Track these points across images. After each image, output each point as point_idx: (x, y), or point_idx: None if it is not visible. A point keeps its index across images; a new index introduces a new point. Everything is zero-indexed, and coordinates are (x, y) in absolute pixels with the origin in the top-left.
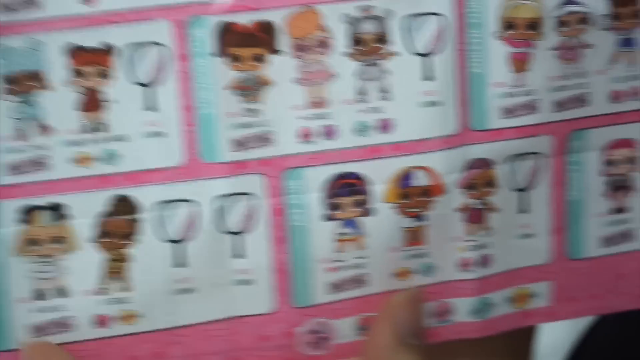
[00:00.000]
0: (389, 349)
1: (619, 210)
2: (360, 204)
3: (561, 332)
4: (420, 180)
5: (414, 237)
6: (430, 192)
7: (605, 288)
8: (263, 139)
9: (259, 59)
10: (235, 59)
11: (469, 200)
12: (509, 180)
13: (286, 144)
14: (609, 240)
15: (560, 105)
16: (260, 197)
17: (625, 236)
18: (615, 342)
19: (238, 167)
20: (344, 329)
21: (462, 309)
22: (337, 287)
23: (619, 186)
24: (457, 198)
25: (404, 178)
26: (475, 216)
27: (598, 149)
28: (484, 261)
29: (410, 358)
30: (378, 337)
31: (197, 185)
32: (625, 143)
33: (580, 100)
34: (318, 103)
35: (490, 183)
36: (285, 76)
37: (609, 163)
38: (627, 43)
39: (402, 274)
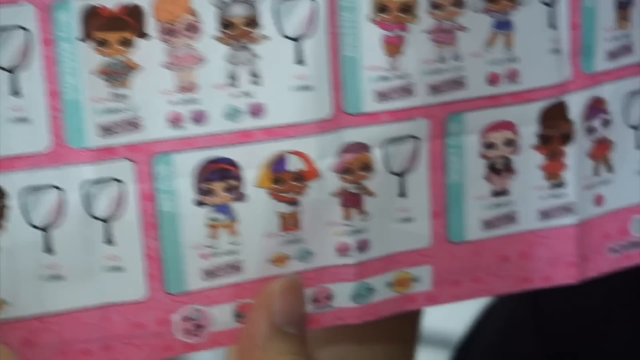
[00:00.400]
0: (265, 338)
1: (500, 192)
2: (233, 189)
3: (454, 318)
4: (294, 165)
5: (289, 222)
6: (304, 177)
7: (487, 271)
8: (131, 125)
9: (125, 43)
10: (102, 43)
11: (344, 185)
12: (386, 164)
13: (155, 129)
14: (491, 223)
15: (436, 89)
16: (129, 183)
17: (506, 219)
18: (505, 326)
19: (106, 153)
20: (220, 316)
21: (342, 294)
22: (211, 273)
23: (499, 169)
24: (333, 182)
25: (277, 163)
26: (352, 201)
27: (476, 132)
28: (362, 246)
29: (288, 347)
30: (254, 326)
31: (64, 172)
32: (504, 125)
33: (456, 84)
34: (187, 88)
35: (366, 167)
36: (153, 60)
37: (488, 146)
38: (503, 25)
39: (279, 260)
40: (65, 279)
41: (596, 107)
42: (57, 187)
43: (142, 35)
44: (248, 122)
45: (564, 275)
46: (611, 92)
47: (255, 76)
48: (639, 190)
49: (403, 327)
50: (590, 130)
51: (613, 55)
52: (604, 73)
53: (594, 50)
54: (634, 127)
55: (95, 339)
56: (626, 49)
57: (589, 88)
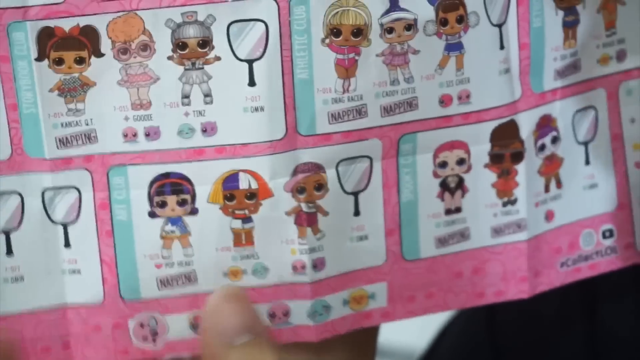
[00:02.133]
0: (224, 357)
1: (453, 210)
2: (185, 203)
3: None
4: (246, 183)
5: (243, 238)
6: (256, 195)
7: (441, 287)
8: (87, 137)
9: (81, 61)
10: (58, 62)
11: (299, 204)
12: (340, 183)
13: (110, 143)
14: (444, 241)
15: (389, 110)
16: (86, 192)
17: (460, 236)
18: (460, 340)
19: (63, 163)
20: (176, 325)
21: (299, 311)
22: (165, 283)
23: (452, 187)
24: (286, 202)
25: (229, 180)
26: (307, 220)
27: (429, 151)
28: (318, 264)
29: (250, 355)
30: (209, 348)
31: (24, 178)
32: (456, 145)
33: (409, 105)
34: (141, 105)
35: (320, 187)
36: (108, 78)
37: (441, 165)
38: (454, 47)
39: (234, 273)
40: (25, 280)
41: (546, 125)
42: (18, 193)
43: (97, 54)
44: (200, 140)
45: (516, 290)
46: (560, 110)
47: (207, 96)
48: (588, 205)
49: (360, 336)
50: (541, 148)
51: (561, 73)
52: (552, 91)
53: (543, 70)
54: (583, 144)
55: (55, 337)
56: (573, 67)
57: (538, 107)
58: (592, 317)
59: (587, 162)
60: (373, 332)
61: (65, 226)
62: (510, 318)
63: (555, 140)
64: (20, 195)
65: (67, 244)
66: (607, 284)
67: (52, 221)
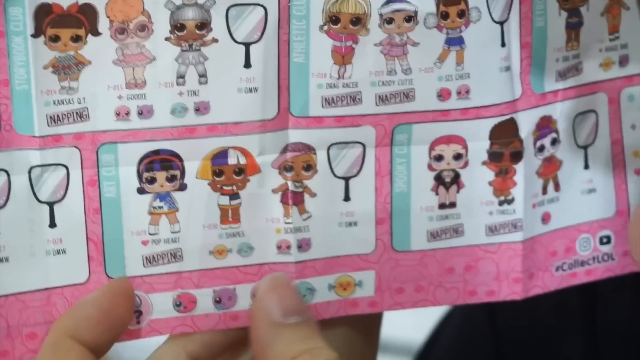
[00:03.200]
0: (272, 336)
1: (447, 205)
2: (174, 179)
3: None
4: (235, 158)
5: (229, 215)
6: (245, 171)
7: (431, 282)
8: (79, 116)
9: (77, 39)
10: (54, 39)
11: (285, 182)
12: (330, 166)
13: (102, 121)
14: (436, 235)
15: (384, 99)
16: (75, 169)
17: (453, 231)
18: (461, 334)
19: (52, 141)
20: (160, 304)
21: None
22: (151, 260)
23: (447, 182)
24: (274, 178)
25: (218, 156)
26: (292, 198)
27: (425, 143)
28: (302, 245)
29: (297, 335)
30: (258, 330)
31: (11, 155)
32: (453, 139)
33: (405, 96)
34: (136, 84)
35: (309, 167)
36: (103, 57)
37: (437, 158)
38: (454, 42)
39: (219, 252)
40: (10, 261)
41: (546, 126)
42: (4, 170)
43: (94, 32)
44: (193, 119)
45: (509, 291)
46: (560, 112)
47: (203, 76)
48: (585, 210)
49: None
50: (540, 149)
51: (562, 75)
52: (553, 93)
53: (544, 70)
54: (583, 147)
55: (41, 323)
56: (575, 69)
57: (538, 107)
58: (592, 312)
59: (586, 167)
60: (376, 318)
61: (51, 205)
62: (511, 311)
63: (554, 141)
64: (7, 172)
65: (52, 224)
66: (608, 280)
67: (38, 200)
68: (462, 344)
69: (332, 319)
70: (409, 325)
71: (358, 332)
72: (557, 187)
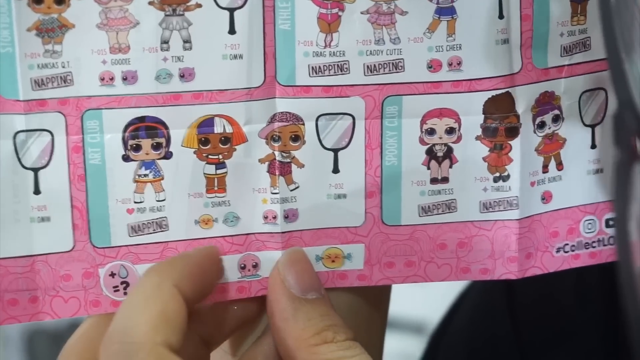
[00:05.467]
0: (290, 311)
1: (440, 180)
2: (159, 146)
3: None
4: (221, 127)
5: (215, 183)
6: (230, 139)
7: (422, 257)
8: (63, 80)
9: (61, 2)
10: (37, 1)
11: (273, 152)
12: (319, 137)
13: (86, 86)
14: (428, 210)
15: (372, 70)
16: (60, 135)
17: (445, 206)
18: (478, 311)
19: (37, 105)
20: None
21: (269, 264)
22: (136, 229)
23: (439, 156)
24: (261, 148)
25: (204, 124)
26: (279, 168)
27: (416, 116)
28: (289, 215)
29: (315, 311)
30: (276, 304)
31: None
32: (446, 113)
33: (394, 66)
34: (119, 49)
35: (296, 138)
36: (87, 20)
37: (429, 132)
38: (445, 12)
39: (205, 221)
40: None
41: (547, 103)
42: None
43: None
44: (178, 85)
45: (504, 270)
46: (565, 88)
47: (187, 42)
48: (592, 191)
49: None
50: (540, 126)
51: (568, 50)
52: (558, 68)
53: (547, 44)
54: (590, 126)
55: (24, 290)
56: (583, 45)
57: (540, 82)
58: (613, 292)
59: (594, 146)
60: (384, 289)
61: (36, 172)
62: (530, 290)
63: (557, 119)
64: None
65: (36, 191)
66: None
67: (23, 166)
68: (478, 324)
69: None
70: (419, 303)
71: (363, 301)
72: (559, 166)
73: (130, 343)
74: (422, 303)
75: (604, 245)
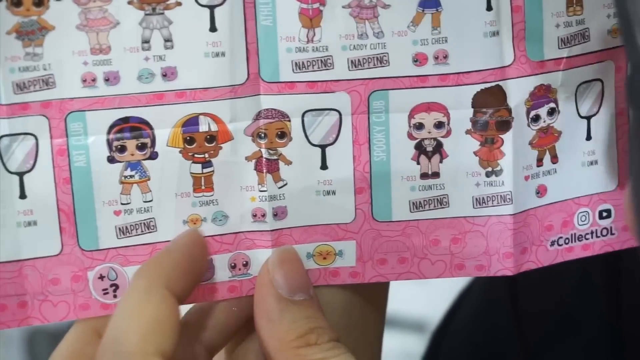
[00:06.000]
0: (276, 312)
1: (430, 175)
2: (144, 147)
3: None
4: (206, 125)
5: (202, 183)
6: (216, 137)
7: (415, 253)
8: (45, 83)
9: (40, 4)
10: (16, 4)
11: (259, 149)
12: (305, 134)
13: (69, 88)
14: (419, 205)
15: (357, 64)
16: (43, 138)
17: (437, 202)
18: (481, 306)
19: (20, 109)
20: None
21: (259, 263)
22: (124, 231)
23: (428, 151)
24: (247, 146)
25: (188, 123)
26: (267, 166)
27: (403, 111)
28: (278, 213)
29: (301, 313)
30: (262, 304)
31: None
32: (434, 107)
33: (379, 60)
34: (100, 49)
35: (282, 134)
36: (66, 22)
37: (417, 127)
38: (429, 4)
39: (193, 221)
40: None
41: (543, 96)
42: None
43: None
44: (160, 85)
45: (500, 266)
46: (562, 81)
47: (168, 41)
48: (586, 183)
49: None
50: (535, 119)
51: (566, 42)
52: (555, 61)
53: (542, 36)
54: (586, 118)
55: (12, 295)
56: (581, 36)
57: (534, 75)
58: (616, 288)
59: (589, 137)
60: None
61: (21, 176)
62: (533, 288)
63: (552, 112)
64: None
65: (22, 195)
66: (633, 255)
67: (8, 171)
68: (481, 321)
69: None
70: (419, 301)
71: (359, 299)
72: (554, 159)
73: (122, 352)
74: (422, 301)
75: (597, 237)
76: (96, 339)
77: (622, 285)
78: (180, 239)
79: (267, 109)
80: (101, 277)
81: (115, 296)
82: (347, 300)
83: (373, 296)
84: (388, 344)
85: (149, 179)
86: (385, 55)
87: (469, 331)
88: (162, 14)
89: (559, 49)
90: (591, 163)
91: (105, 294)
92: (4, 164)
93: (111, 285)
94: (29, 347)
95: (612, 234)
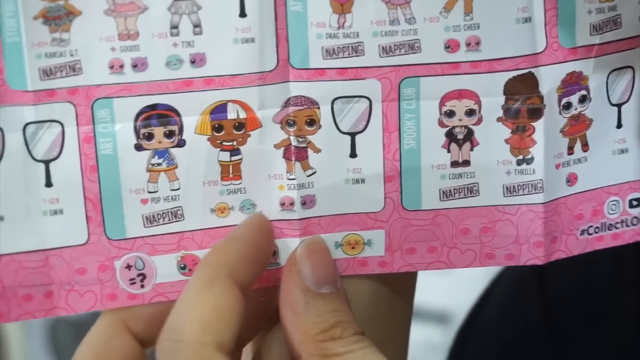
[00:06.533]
0: (302, 304)
1: (460, 163)
2: (172, 134)
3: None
4: (234, 113)
5: (230, 171)
6: (245, 125)
7: (445, 242)
8: (72, 69)
9: None
10: None
11: (288, 137)
12: (335, 121)
13: (96, 74)
14: (449, 194)
15: (388, 51)
16: (70, 126)
17: (467, 190)
18: (510, 297)
19: (46, 95)
20: (164, 267)
21: (288, 252)
22: (151, 220)
23: (459, 138)
24: (275, 133)
25: (217, 110)
26: (295, 154)
27: (434, 98)
28: (307, 202)
29: (327, 307)
30: (288, 295)
31: (5, 111)
32: (465, 94)
33: (410, 47)
34: (128, 35)
35: (312, 122)
36: (94, 7)
37: (448, 114)
38: None
39: (221, 210)
40: (5, 220)
41: (574, 83)
42: None
43: None
44: (189, 71)
45: (530, 255)
46: (594, 68)
47: (197, 26)
48: (616, 171)
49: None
50: (566, 107)
51: (598, 29)
52: (587, 47)
53: (574, 23)
54: (616, 105)
55: (38, 285)
56: (613, 23)
57: (567, 62)
58: None
59: (619, 126)
60: (408, 275)
61: (47, 164)
62: (562, 281)
63: (584, 99)
64: (1, 129)
65: (48, 184)
66: None
67: (34, 158)
68: (510, 313)
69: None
70: (442, 292)
71: (386, 289)
72: (585, 147)
73: (178, 341)
74: (445, 293)
75: (627, 226)
76: (123, 331)
77: None
78: (245, 225)
79: (296, 96)
80: (128, 267)
81: (142, 286)
82: (374, 290)
83: (401, 286)
84: (411, 336)
85: (176, 167)
86: (416, 42)
87: (497, 322)
88: None
89: (591, 35)
90: (621, 151)
91: (132, 283)
92: (29, 152)
93: (138, 275)
94: (51, 336)
95: None
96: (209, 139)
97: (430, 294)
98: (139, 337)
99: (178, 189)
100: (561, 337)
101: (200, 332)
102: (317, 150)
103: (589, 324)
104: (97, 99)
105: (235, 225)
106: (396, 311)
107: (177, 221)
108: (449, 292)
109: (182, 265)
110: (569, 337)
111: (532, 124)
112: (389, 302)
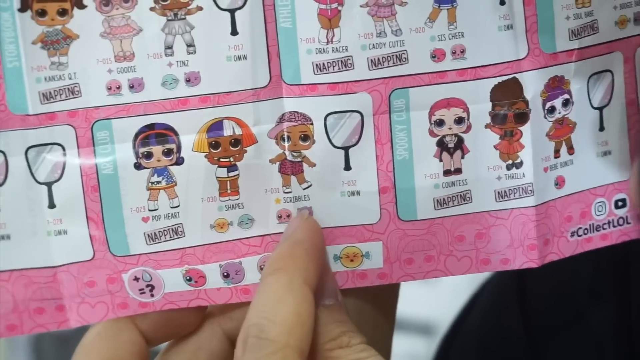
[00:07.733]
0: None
1: (453, 171)
2: (170, 153)
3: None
4: (230, 129)
5: (228, 187)
6: (241, 141)
7: (441, 251)
8: (71, 92)
9: (63, 13)
10: (41, 13)
11: (283, 152)
12: (328, 136)
13: (94, 96)
14: (443, 202)
15: (376, 63)
16: (71, 148)
17: (460, 198)
18: (491, 307)
19: (47, 119)
20: (171, 278)
21: None
22: (153, 237)
23: (450, 147)
24: (271, 149)
25: (213, 128)
26: (291, 168)
27: (424, 108)
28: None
29: (330, 317)
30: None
31: (7, 136)
32: (453, 102)
33: (398, 58)
34: (124, 57)
35: (306, 137)
36: (90, 30)
37: (438, 123)
38: (445, 0)
39: (220, 225)
40: (12, 239)
41: (557, 87)
42: (1, 151)
43: (80, 5)
44: (184, 90)
45: (525, 258)
46: (575, 72)
47: (190, 46)
48: (601, 173)
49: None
50: (550, 111)
51: (577, 34)
52: (567, 52)
53: (554, 29)
54: (598, 108)
55: (48, 299)
56: (590, 28)
57: (548, 67)
58: (625, 287)
59: (602, 128)
60: (388, 290)
61: (49, 186)
62: (542, 287)
63: (567, 103)
64: (4, 153)
65: (51, 205)
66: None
67: (37, 181)
68: (492, 325)
69: (341, 290)
70: (426, 304)
71: (369, 303)
72: (571, 150)
73: (266, 339)
74: (429, 304)
75: (614, 226)
76: (132, 327)
77: (631, 286)
78: (303, 228)
79: (290, 112)
80: (136, 279)
81: (152, 295)
82: (356, 303)
83: (382, 299)
84: (395, 347)
85: (175, 185)
86: (404, 53)
87: (479, 333)
88: (184, 19)
89: (570, 40)
90: (605, 153)
91: (142, 293)
92: (32, 175)
93: (147, 286)
94: (36, 350)
95: (627, 223)
96: (206, 156)
97: (413, 305)
98: (144, 336)
99: (178, 206)
100: (542, 348)
101: (286, 335)
102: (312, 165)
103: (570, 334)
104: (96, 121)
105: (236, 239)
106: (378, 323)
107: (179, 238)
108: (432, 303)
109: (188, 278)
110: (549, 348)
111: (519, 128)
112: (371, 314)
